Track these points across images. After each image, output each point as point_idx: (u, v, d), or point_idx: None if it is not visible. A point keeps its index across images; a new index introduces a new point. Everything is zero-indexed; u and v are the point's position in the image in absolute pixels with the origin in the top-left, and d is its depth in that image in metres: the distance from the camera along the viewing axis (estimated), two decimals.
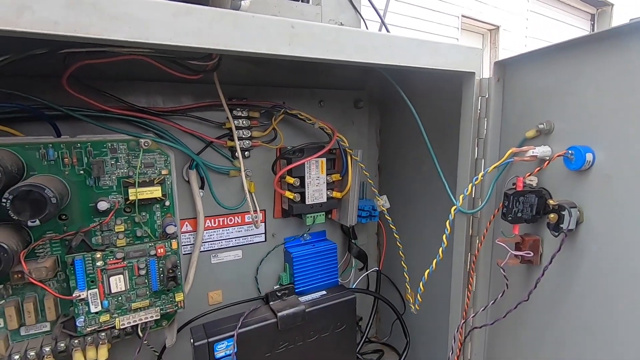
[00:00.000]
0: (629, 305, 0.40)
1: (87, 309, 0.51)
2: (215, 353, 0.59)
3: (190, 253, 0.67)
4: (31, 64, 0.49)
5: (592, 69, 0.43)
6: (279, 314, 0.64)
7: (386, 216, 0.75)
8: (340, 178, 0.73)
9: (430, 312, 0.72)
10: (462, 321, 0.59)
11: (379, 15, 0.76)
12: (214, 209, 0.69)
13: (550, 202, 0.45)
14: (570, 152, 0.43)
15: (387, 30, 0.78)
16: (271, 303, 0.68)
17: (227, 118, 0.63)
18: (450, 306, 0.62)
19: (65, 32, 0.31)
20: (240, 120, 0.66)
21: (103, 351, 0.53)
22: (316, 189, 0.70)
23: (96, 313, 0.52)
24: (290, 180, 0.67)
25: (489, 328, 0.59)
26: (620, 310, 0.41)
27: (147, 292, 0.55)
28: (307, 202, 0.69)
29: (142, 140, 0.53)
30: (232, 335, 0.60)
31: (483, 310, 0.55)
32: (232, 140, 0.64)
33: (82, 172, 0.51)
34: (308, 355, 0.68)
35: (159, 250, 0.54)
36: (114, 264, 0.52)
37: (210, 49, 0.38)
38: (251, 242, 0.74)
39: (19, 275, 0.47)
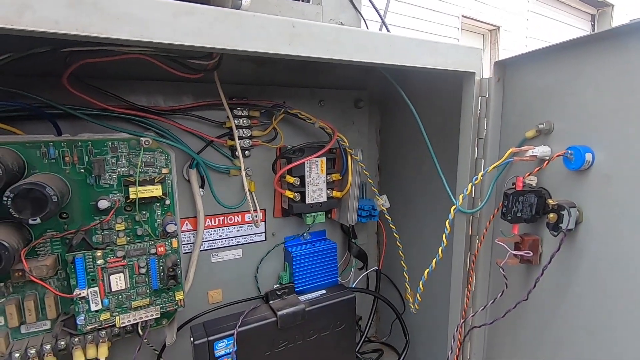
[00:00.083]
0: (628, 305, 0.40)
1: (87, 307, 0.51)
2: (215, 351, 0.59)
3: (191, 252, 0.68)
4: (32, 63, 0.49)
5: (592, 69, 0.43)
6: (279, 313, 0.64)
7: (386, 216, 0.75)
8: (340, 177, 0.73)
9: (430, 312, 0.72)
10: (462, 321, 0.59)
11: (379, 15, 0.76)
12: (214, 208, 0.69)
13: (550, 201, 0.46)
14: (569, 152, 0.43)
15: (388, 30, 0.78)
16: (271, 302, 0.68)
17: (228, 117, 0.63)
18: (450, 306, 0.62)
19: (66, 31, 0.31)
20: (241, 120, 0.66)
21: (103, 349, 0.53)
22: (316, 188, 0.70)
23: (96, 311, 0.52)
24: (290, 179, 0.67)
25: (488, 327, 0.60)
26: (619, 310, 0.41)
27: (148, 291, 0.55)
28: (307, 202, 0.69)
29: (142, 139, 0.53)
30: (232, 334, 0.60)
31: (482, 309, 0.55)
32: (233, 139, 0.65)
33: (82, 170, 0.51)
34: (308, 354, 0.68)
35: (159, 248, 0.55)
36: (115, 262, 0.52)
37: (210, 48, 0.38)
38: (251, 241, 0.74)
39: (20, 274, 0.47)
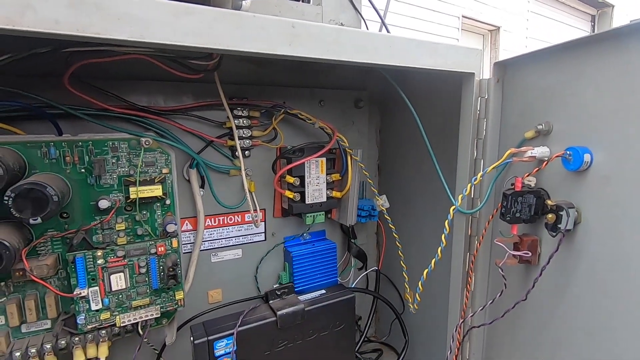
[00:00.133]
0: (627, 306, 0.40)
1: (87, 307, 0.51)
2: (215, 351, 0.59)
3: (191, 252, 0.68)
4: (33, 63, 0.49)
5: (591, 70, 0.43)
6: (279, 313, 0.64)
7: (386, 216, 0.75)
8: (340, 178, 0.73)
9: (429, 312, 0.72)
10: (461, 321, 0.59)
11: (379, 15, 0.76)
12: (214, 208, 0.69)
13: (549, 202, 0.46)
14: (568, 152, 0.43)
15: (388, 31, 0.78)
16: (271, 302, 0.68)
17: (228, 117, 0.64)
18: (449, 306, 0.62)
19: (67, 32, 0.31)
20: (241, 120, 0.66)
21: (103, 349, 0.53)
22: (316, 188, 0.70)
23: (97, 311, 0.52)
24: (290, 179, 0.67)
25: (487, 328, 0.60)
26: (617, 311, 0.41)
27: (148, 290, 0.55)
28: (306, 202, 0.70)
29: (143, 139, 0.53)
30: (232, 334, 0.60)
31: (481, 309, 0.55)
32: (233, 139, 0.65)
33: (83, 170, 0.51)
34: (307, 354, 0.69)
35: (159, 248, 0.55)
36: (115, 262, 0.53)
37: (211, 49, 0.38)
38: (251, 241, 0.75)
39: (21, 273, 0.47)
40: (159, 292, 0.56)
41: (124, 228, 0.54)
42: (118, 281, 0.53)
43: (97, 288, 0.52)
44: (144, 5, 0.34)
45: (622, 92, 0.40)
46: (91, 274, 0.51)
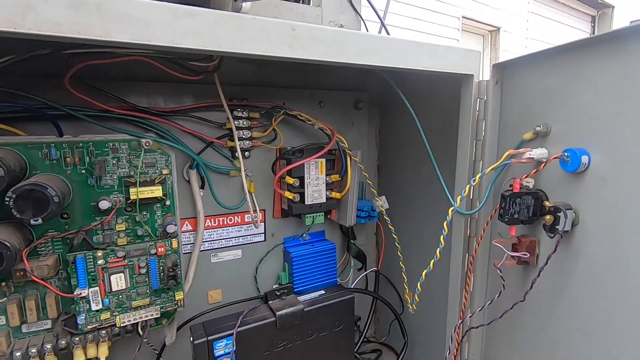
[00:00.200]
0: (624, 306, 0.41)
1: (88, 307, 0.52)
2: (214, 351, 0.60)
3: (191, 252, 0.68)
4: (34, 64, 0.50)
5: (590, 72, 0.43)
6: (278, 313, 0.65)
7: (385, 217, 0.75)
8: (340, 178, 0.73)
9: (428, 312, 0.73)
10: (460, 321, 0.59)
11: (378, 17, 0.76)
12: (214, 209, 0.69)
13: (547, 203, 0.46)
14: (566, 154, 0.44)
15: (387, 32, 0.79)
16: (270, 302, 0.69)
17: (228, 118, 0.64)
18: (448, 306, 0.62)
19: (68, 34, 0.31)
20: (241, 121, 0.66)
21: (103, 349, 0.54)
22: (315, 189, 0.71)
23: (97, 311, 0.52)
24: (289, 180, 0.68)
25: (486, 328, 0.60)
26: (615, 312, 0.42)
27: (148, 291, 0.56)
28: (306, 202, 0.70)
29: (143, 140, 0.54)
30: (232, 334, 0.60)
31: (480, 310, 0.56)
32: (233, 140, 0.65)
33: (84, 171, 0.51)
34: (306, 354, 0.69)
35: (159, 249, 0.55)
36: (115, 262, 0.53)
37: (211, 51, 0.38)
38: (251, 241, 0.75)
39: (21, 273, 0.48)
40: (159, 292, 0.56)
41: (124, 229, 0.55)
42: (118, 281, 0.53)
43: (97, 288, 0.52)
44: (145, 7, 0.34)
45: (621, 94, 0.40)
46: (91, 274, 0.52)
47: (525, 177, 0.49)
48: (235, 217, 0.72)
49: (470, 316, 0.58)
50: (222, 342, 0.60)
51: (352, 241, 0.82)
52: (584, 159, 0.43)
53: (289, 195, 0.68)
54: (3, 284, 0.49)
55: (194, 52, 0.38)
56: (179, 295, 0.58)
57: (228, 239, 0.72)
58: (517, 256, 0.49)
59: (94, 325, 0.52)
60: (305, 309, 0.67)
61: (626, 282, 0.40)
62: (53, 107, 0.52)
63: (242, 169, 0.64)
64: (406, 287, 0.76)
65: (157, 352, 0.66)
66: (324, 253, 0.77)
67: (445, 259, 0.59)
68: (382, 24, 0.77)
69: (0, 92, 0.50)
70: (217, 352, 0.60)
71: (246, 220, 0.73)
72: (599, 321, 0.43)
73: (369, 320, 0.85)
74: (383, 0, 0.81)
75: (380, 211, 0.76)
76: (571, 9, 5.52)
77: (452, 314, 0.62)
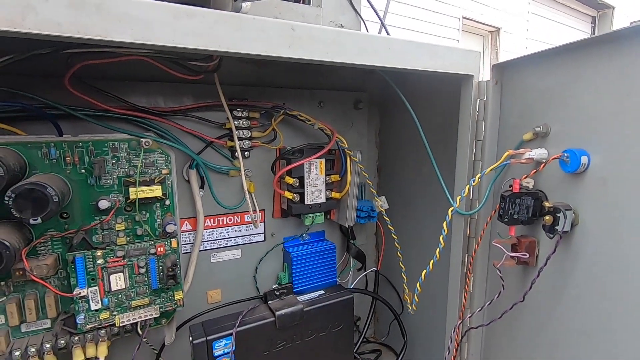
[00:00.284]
0: (624, 307, 0.41)
1: (87, 307, 0.52)
2: (213, 351, 0.60)
3: (190, 252, 0.68)
4: (34, 64, 0.50)
5: (590, 72, 0.43)
6: (277, 313, 0.65)
7: (385, 217, 0.76)
8: (339, 179, 0.73)
9: (428, 313, 0.73)
10: (459, 321, 0.59)
11: (378, 17, 0.76)
12: (213, 209, 0.69)
13: (546, 204, 0.46)
14: (565, 155, 0.44)
15: (387, 32, 0.79)
16: (269, 302, 0.69)
17: (228, 118, 0.64)
18: (448, 306, 0.62)
19: (68, 34, 0.31)
20: (241, 121, 0.66)
21: (103, 348, 0.54)
22: (315, 189, 0.71)
23: (96, 310, 0.52)
24: (289, 180, 0.68)
25: (486, 328, 0.60)
26: (614, 312, 0.42)
27: (147, 290, 0.56)
28: (306, 203, 0.70)
29: (143, 139, 0.54)
30: (231, 334, 0.60)
31: (479, 310, 0.56)
32: (232, 140, 0.65)
33: (83, 171, 0.51)
34: (306, 354, 0.69)
35: (158, 248, 0.55)
36: (114, 262, 0.53)
37: (211, 51, 0.38)
38: (250, 241, 0.75)
39: (21, 273, 0.48)
40: (158, 292, 0.56)
41: (123, 228, 0.55)
42: (117, 281, 0.53)
43: (96, 288, 0.52)
44: (145, 7, 0.34)
45: (621, 94, 0.40)
46: (91, 273, 0.52)
47: (525, 177, 0.49)
48: (235, 217, 0.72)
49: (469, 316, 0.58)
50: (221, 342, 0.60)
51: (351, 241, 0.82)
52: (584, 159, 0.43)
53: (288, 195, 0.68)
54: (2, 283, 0.49)
55: (194, 52, 0.38)
56: (178, 295, 0.58)
57: (228, 239, 0.72)
58: (517, 256, 0.49)
59: (93, 325, 0.52)
60: (304, 309, 0.67)
61: (626, 283, 0.40)
62: (53, 107, 0.52)
63: (242, 169, 0.64)
64: (406, 287, 0.76)
65: (156, 351, 0.66)
66: (324, 253, 0.77)
67: (445, 259, 0.59)
68: (382, 24, 0.77)
69: (0, 92, 0.50)
70: (217, 352, 0.60)
71: (246, 220, 0.73)
72: (599, 321, 0.43)
73: (368, 321, 0.85)
74: (383, 0, 0.81)
75: (380, 211, 0.76)
76: (571, 10, 5.53)
77: (451, 314, 0.62)
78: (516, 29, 4.84)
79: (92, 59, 0.48)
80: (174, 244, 0.56)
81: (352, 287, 0.81)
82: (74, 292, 0.50)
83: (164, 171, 0.56)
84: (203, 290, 0.71)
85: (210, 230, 0.70)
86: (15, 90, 0.50)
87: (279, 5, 0.65)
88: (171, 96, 0.63)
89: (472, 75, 0.55)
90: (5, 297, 0.50)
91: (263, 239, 0.76)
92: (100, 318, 0.53)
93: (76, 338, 0.52)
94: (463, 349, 0.63)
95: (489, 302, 0.54)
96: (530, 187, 0.49)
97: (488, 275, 0.60)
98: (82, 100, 0.53)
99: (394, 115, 0.83)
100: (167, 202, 0.57)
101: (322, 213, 0.73)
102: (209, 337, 0.59)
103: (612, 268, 0.41)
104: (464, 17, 4.31)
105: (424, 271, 0.53)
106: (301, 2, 0.70)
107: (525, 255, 0.49)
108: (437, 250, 0.52)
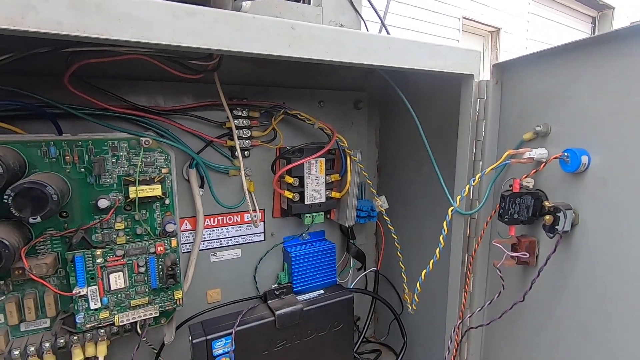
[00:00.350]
0: (624, 307, 0.41)
1: (86, 306, 0.52)
2: (213, 350, 0.60)
3: (190, 251, 0.68)
4: (34, 62, 0.50)
5: (590, 72, 0.43)
6: (277, 313, 0.65)
7: (385, 216, 0.75)
8: (339, 178, 0.73)
9: (428, 312, 0.73)
10: (459, 321, 0.59)
11: (379, 16, 0.76)
12: (213, 208, 0.69)
13: (546, 203, 0.46)
14: (565, 154, 0.44)
15: (387, 32, 0.79)
16: (269, 302, 0.69)
17: (227, 118, 0.64)
18: (448, 306, 0.62)
19: (69, 32, 0.31)
20: (240, 120, 0.66)
21: (102, 347, 0.54)
22: (315, 188, 0.70)
23: (95, 310, 0.52)
24: (289, 180, 0.67)
25: (486, 328, 0.60)
26: (614, 312, 0.42)
27: (146, 290, 0.55)
28: (306, 202, 0.70)
29: (142, 139, 0.54)
30: (230, 333, 0.60)
31: (479, 310, 0.56)
32: (232, 139, 0.65)
33: (83, 170, 0.51)
34: (305, 354, 0.69)
35: (158, 248, 0.55)
36: (114, 261, 0.53)
37: (211, 50, 0.38)
38: (250, 241, 0.75)
39: (20, 272, 0.48)
40: (157, 291, 0.56)
41: (123, 227, 0.55)
42: (117, 280, 0.53)
43: (96, 287, 0.52)
44: (144, 6, 0.34)
45: (621, 94, 0.40)
46: (90, 273, 0.51)
47: (525, 177, 0.49)
48: (235, 216, 0.72)
49: (469, 316, 0.58)
50: (221, 341, 0.60)
51: (351, 241, 0.82)
52: (584, 159, 0.43)
53: (288, 194, 0.68)
54: (1, 282, 0.49)
55: (193, 50, 0.38)
56: (177, 295, 0.58)
57: (227, 239, 0.72)
58: (517, 256, 0.49)
59: (93, 324, 0.52)
60: (304, 309, 0.67)
61: (626, 282, 0.40)
62: (52, 106, 0.52)
63: (242, 168, 0.64)
64: (406, 287, 0.76)
65: (155, 351, 0.66)
66: (324, 253, 0.77)
67: (445, 259, 0.59)
68: (383, 24, 0.77)
69: None
70: (216, 352, 0.60)
71: (246, 219, 0.73)
72: (599, 321, 0.43)
73: (368, 320, 0.85)
74: (383, 0, 0.81)
75: (379, 211, 0.76)
76: (572, 10, 5.53)
77: (451, 314, 0.62)
78: (516, 29, 4.84)
79: (92, 57, 0.48)
80: (174, 243, 0.56)
81: (351, 286, 0.81)
82: (74, 291, 0.50)
83: (164, 170, 0.56)
84: (203, 290, 0.71)
85: (210, 229, 0.70)
86: (15, 88, 0.50)
87: (279, 4, 0.65)
88: (171, 95, 0.63)
89: (473, 75, 0.55)
90: (4, 296, 0.49)
91: (263, 239, 0.76)
92: (100, 317, 0.53)
93: (75, 337, 0.52)
94: (463, 348, 0.63)
95: (489, 302, 0.53)
96: (531, 186, 0.49)
97: (488, 275, 0.59)
98: (81, 99, 0.52)
99: (394, 114, 0.83)
100: (167, 201, 0.57)
101: (322, 213, 0.73)
102: (208, 337, 0.59)
103: (612, 268, 0.41)
104: (464, 17, 4.31)
105: (424, 271, 0.53)
106: (301, 1, 0.70)
107: (526, 255, 0.49)
108: (437, 250, 0.52)
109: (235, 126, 0.65)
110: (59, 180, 0.48)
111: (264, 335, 0.64)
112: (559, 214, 0.44)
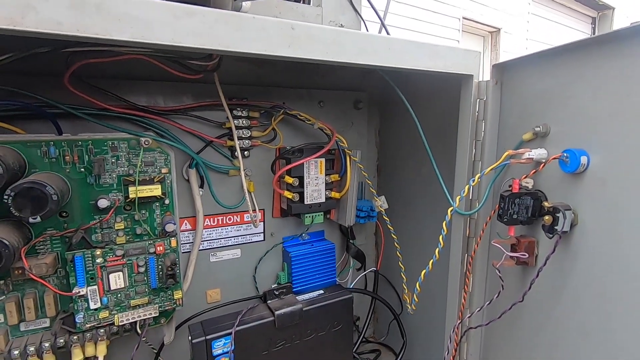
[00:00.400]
0: (623, 307, 0.41)
1: (86, 306, 0.52)
2: (212, 350, 0.60)
3: (190, 251, 0.68)
4: (34, 62, 0.50)
5: (590, 72, 0.43)
6: (277, 313, 0.65)
7: (384, 217, 0.76)
8: (339, 178, 0.73)
9: (427, 313, 0.73)
10: (458, 321, 0.59)
11: (379, 17, 0.76)
12: (213, 208, 0.69)
13: (545, 204, 0.46)
14: (565, 155, 0.44)
15: (387, 32, 0.79)
16: (269, 302, 0.69)
17: (227, 118, 0.64)
18: (447, 306, 0.62)
19: (68, 32, 0.32)
20: (240, 120, 0.66)
21: (102, 347, 0.54)
22: (315, 189, 0.71)
23: (95, 309, 0.52)
24: (289, 180, 0.68)
25: (485, 328, 0.60)
26: (613, 312, 0.42)
27: (146, 290, 0.55)
28: (305, 202, 0.70)
29: (142, 139, 0.54)
30: (230, 333, 0.60)
31: (479, 310, 0.56)
32: (232, 139, 0.65)
33: (83, 169, 0.51)
34: (305, 354, 0.69)
35: (158, 248, 0.55)
36: (114, 261, 0.53)
37: (210, 50, 0.38)
38: (250, 241, 0.75)
39: (20, 271, 0.48)
40: (157, 291, 0.56)
41: (123, 227, 0.55)
42: (117, 280, 0.53)
43: (95, 287, 0.52)
44: (144, 6, 0.34)
45: (620, 94, 0.40)
46: (90, 272, 0.51)
47: (525, 177, 0.49)
48: (235, 216, 0.72)
49: (469, 316, 0.58)
50: (220, 341, 0.60)
51: (351, 241, 0.82)
52: (583, 159, 0.43)
53: (288, 194, 0.68)
54: (1, 282, 0.49)
55: (193, 51, 0.38)
56: (177, 294, 0.58)
57: (227, 239, 0.72)
58: (516, 256, 0.49)
59: (93, 324, 0.52)
60: (303, 309, 0.67)
61: (625, 283, 0.40)
62: (52, 106, 0.52)
63: (242, 168, 0.64)
64: (405, 287, 0.76)
65: (155, 351, 0.66)
66: (323, 253, 0.77)
67: (445, 259, 0.59)
68: (382, 24, 0.77)
69: None
70: (216, 352, 0.60)
71: (245, 219, 0.73)
72: (598, 321, 0.43)
73: (367, 320, 0.85)
74: (383, 0, 0.81)
75: (379, 211, 0.76)
76: (572, 11, 5.53)
77: (450, 314, 0.62)
78: (516, 29, 4.84)
79: (92, 57, 0.48)
80: (174, 243, 0.56)
81: (351, 286, 0.81)
82: (73, 291, 0.50)
83: (164, 170, 0.56)
84: (202, 290, 0.71)
85: (209, 229, 0.70)
86: (14, 88, 0.50)
87: (279, 4, 0.65)
88: (171, 95, 0.63)
89: (472, 75, 0.55)
90: (4, 296, 0.50)
91: (262, 239, 0.76)
92: (100, 317, 0.53)
93: (75, 337, 0.52)
94: (462, 349, 0.63)
95: (488, 302, 0.54)
96: (530, 187, 0.49)
97: (487, 275, 0.60)
98: (81, 99, 0.53)
99: (394, 115, 0.83)
100: (167, 201, 0.57)
101: (322, 213, 0.73)
102: (208, 337, 0.59)
103: (611, 268, 0.41)
104: (464, 18, 4.31)
105: (424, 271, 0.53)
106: (301, 1, 0.70)
107: (525, 255, 0.49)
108: (437, 250, 0.52)
109: (235, 126, 0.65)
110: (58, 180, 0.48)
111: (264, 335, 0.64)
112: (558, 215, 0.44)
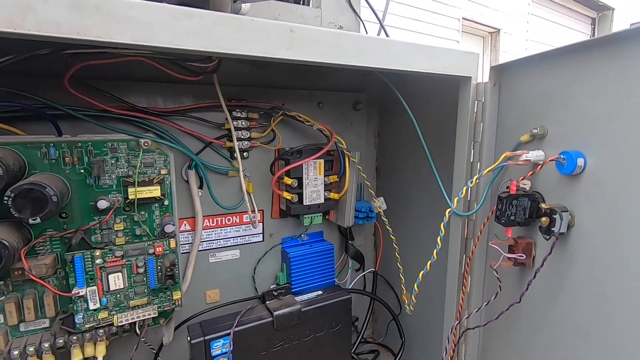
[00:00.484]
0: (620, 308, 0.41)
1: (85, 306, 0.52)
2: (211, 351, 0.60)
3: (189, 252, 0.68)
4: (34, 64, 0.50)
5: (589, 74, 0.43)
6: (275, 313, 0.65)
7: (383, 218, 0.76)
8: (338, 179, 0.74)
9: (426, 313, 0.73)
10: (456, 322, 0.60)
11: (377, 18, 0.76)
12: (212, 209, 0.69)
13: (543, 205, 0.46)
14: (562, 156, 0.44)
15: (386, 33, 0.79)
16: (267, 302, 0.69)
17: (227, 119, 0.64)
18: (445, 307, 0.62)
19: (68, 35, 0.32)
20: (240, 121, 0.67)
21: (101, 348, 0.54)
22: (314, 190, 0.71)
23: (95, 310, 0.52)
24: (288, 181, 0.68)
25: (483, 329, 0.60)
26: (610, 313, 0.42)
27: (145, 290, 0.56)
28: (304, 203, 0.70)
29: (142, 140, 0.54)
30: (229, 334, 0.61)
31: (477, 311, 0.56)
32: (231, 140, 0.65)
33: (82, 171, 0.51)
34: (303, 354, 0.69)
35: (157, 248, 0.55)
36: (113, 261, 0.53)
37: (210, 52, 0.38)
38: (249, 241, 0.75)
39: (19, 272, 0.48)
40: (156, 292, 0.57)
41: (122, 228, 0.55)
42: (116, 281, 0.53)
43: (95, 287, 0.52)
44: (144, 8, 0.34)
45: (619, 96, 0.40)
46: (89, 273, 0.52)
47: (522, 179, 0.49)
48: (234, 217, 0.73)
49: (466, 317, 0.59)
50: (219, 341, 0.60)
51: (350, 242, 0.82)
52: (580, 161, 0.43)
53: (287, 195, 0.69)
54: (1, 282, 0.49)
55: (193, 53, 0.38)
56: (176, 295, 0.58)
57: (226, 239, 0.73)
58: (514, 258, 0.50)
59: (92, 325, 0.53)
60: (302, 309, 0.67)
61: (622, 284, 0.40)
62: (52, 107, 0.53)
63: (241, 170, 0.64)
64: (404, 287, 0.76)
65: (154, 351, 0.66)
66: (322, 253, 0.77)
67: (443, 260, 0.59)
68: (381, 26, 0.78)
69: None
70: (214, 352, 0.60)
71: (244, 220, 0.74)
72: (595, 322, 0.43)
73: (366, 321, 0.85)
74: (383, 1, 0.82)
75: (378, 212, 0.76)
76: (571, 11, 5.53)
77: (449, 315, 0.62)
78: (516, 30, 4.84)
79: (91, 59, 0.48)
80: (173, 244, 0.57)
81: (350, 287, 0.81)
82: (73, 292, 0.50)
83: (163, 171, 0.56)
84: (201, 290, 0.71)
85: (209, 230, 0.70)
86: (15, 90, 0.51)
87: (278, 6, 0.65)
88: (170, 97, 0.63)
89: (470, 77, 0.55)
90: (4, 297, 0.50)
91: (262, 239, 0.76)
92: (99, 318, 0.53)
93: (74, 337, 0.53)
94: (460, 349, 0.63)
95: (486, 303, 0.54)
96: (527, 188, 0.49)
97: (485, 276, 0.60)
98: (81, 100, 0.53)
99: (393, 116, 0.84)
100: (166, 202, 0.57)
101: (321, 214, 0.73)
102: (207, 337, 0.60)
103: (608, 269, 0.42)
104: (463, 18, 4.31)
105: (422, 272, 0.53)
106: (301, 3, 0.70)
107: (522, 256, 0.49)
108: (435, 251, 0.52)
109: (234, 127, 0.65)
110: (58, 182, 0.49)
111: (262, 336, 0.64)
112: (555, 216, 0.44)
